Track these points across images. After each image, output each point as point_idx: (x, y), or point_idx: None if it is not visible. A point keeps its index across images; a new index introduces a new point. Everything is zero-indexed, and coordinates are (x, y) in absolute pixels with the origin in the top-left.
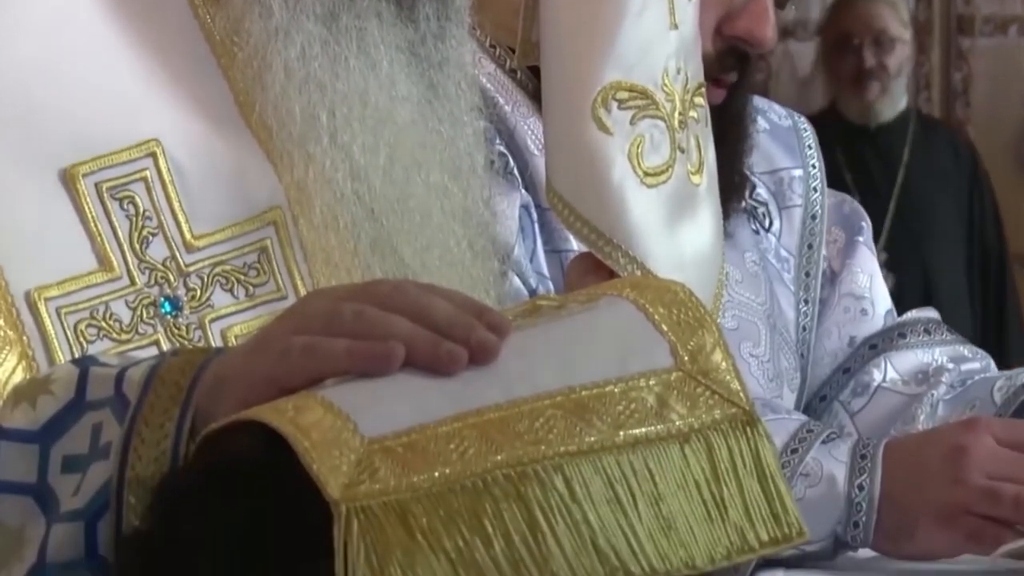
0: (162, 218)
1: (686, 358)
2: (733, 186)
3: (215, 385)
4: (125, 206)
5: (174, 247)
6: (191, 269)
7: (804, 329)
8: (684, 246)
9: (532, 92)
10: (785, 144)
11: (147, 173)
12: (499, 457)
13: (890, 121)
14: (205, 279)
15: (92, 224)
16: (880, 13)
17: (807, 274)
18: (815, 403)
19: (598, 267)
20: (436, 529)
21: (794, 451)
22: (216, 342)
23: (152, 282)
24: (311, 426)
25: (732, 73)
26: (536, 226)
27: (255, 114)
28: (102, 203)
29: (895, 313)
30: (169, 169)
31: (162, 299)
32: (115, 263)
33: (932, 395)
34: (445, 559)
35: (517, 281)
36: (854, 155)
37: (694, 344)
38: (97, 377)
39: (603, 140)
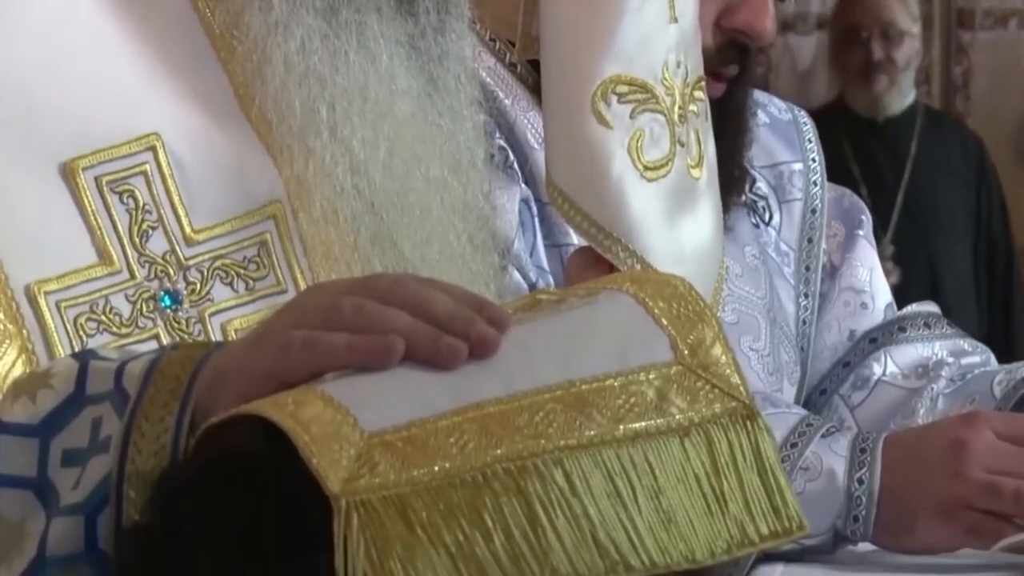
0: (162, 212)
1: (686, 352)
2: (733, 180)
3: (215, 379)
4: (125, 200)
5: (174, 241)
6: (191, 263)
7: (804, 323)
8: (684, 240)
9: (532, 86)
10: (785, 138)
11: (147, 167)
12: (499, 451)
13: (898, 114)
14: (205, 273)
15: (92, 218)
16: (888, 6)
17: (807, 268)
18: (815, 397)
19: (598, 261)
20: (436, 523)
21: (794, 445)
22: (216, 336)
23: (152, 276)
24: (311, 420)
25: (732, 66)
26: (536, 220)
27: (255, 108)
28: (102, 197)
29: (895, 307)
30: (169, 163)
31: (162, 293)
32: (115, 257)
33: (932, 389)
34: (445, 553)
35: (517, 275)
36: (862, 148)
37: (694, 338)
38: (97, 371)
39: (603, 134)
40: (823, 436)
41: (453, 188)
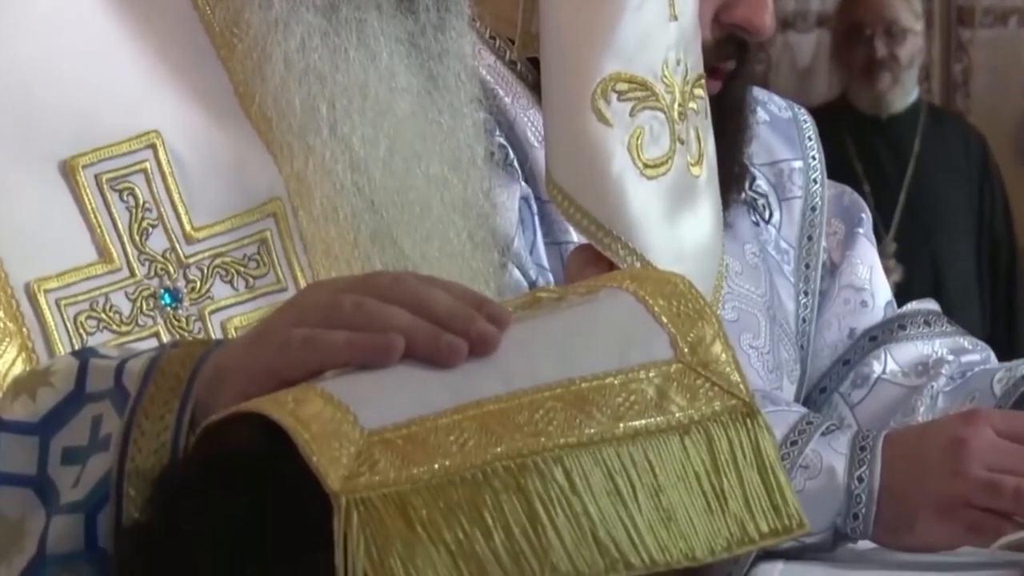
0: (162, 210)
1: (686, 350)
2: (733, 177)
3: (215, 377)
4: (125, 198)
5: (174, 239)
6: (191, 261)
7: (804, 321)
8: (684, 238)
9: (532, 84)
10: (785, 136)
11: (147, 165)
12: (499, 449)
13: (901, 112)
14: (205, 271)
15: (92, 216)
16: (892, 4)
17: (807, 266)
18: (815, 395)
19: (598, 259)
20: (436, 521)
21: (793, 443)
22: (216, 334)
23: (152, 274)
24: (311, 418)
25: (730, 62)
26: (536, 218)
27: (255, 105)
28: (102, 195)
29: (895, 305)
30: (169, 161)
31: (162, 291)
32: (115, 255)
33: (932, 387)
34: (445, 551)
35: (517, 273)
36: (865, 146)
37: (694, 336)
38: (97, 369)
39: (603, 132)
40: (823, 434)
41: (453, 186)
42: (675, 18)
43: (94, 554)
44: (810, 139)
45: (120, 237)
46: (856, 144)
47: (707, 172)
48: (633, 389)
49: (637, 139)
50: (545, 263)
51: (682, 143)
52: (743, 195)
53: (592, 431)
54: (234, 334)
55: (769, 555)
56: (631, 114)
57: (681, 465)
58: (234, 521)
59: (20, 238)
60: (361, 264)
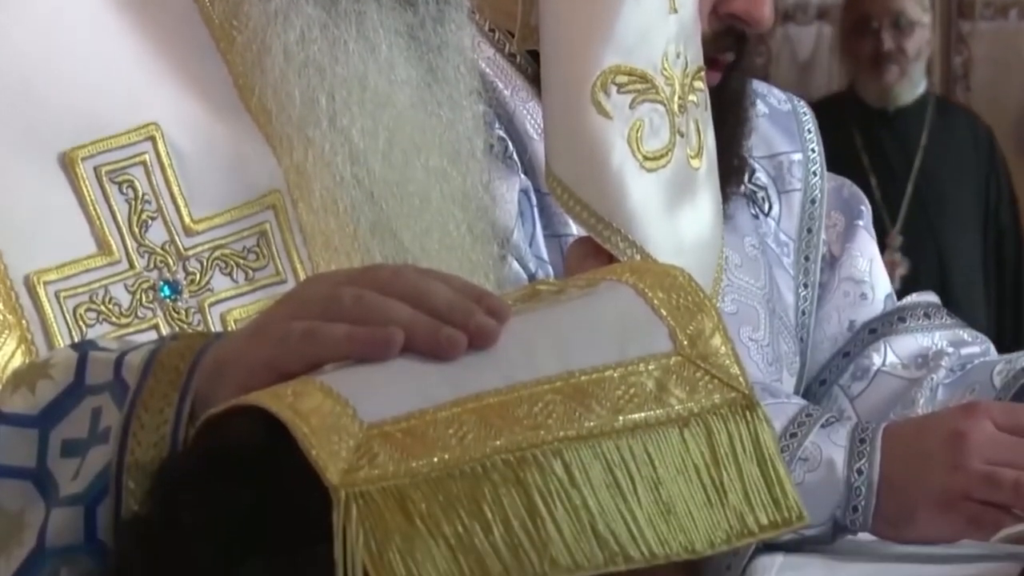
0: (161, 202)
1: (685, 343)
2: (732, 170)
3: (214, 370)
4: (124, 190)
5: (173, 231)
6: (190, 253)
7: (803, 313)
8: (683, 231)
9: (531, 76)
10: (784, 128)
11: (146, 157)
12: (498, 442)
13: (908, 104)
14: (204, 263)
15: (91, 208)
16: None
17: (806, 258)
18: (815, 387)
19: (597, 251)
20: (435, 514)
21: (793, 435)
22: (215, 326)
23: (151, 266)
24: (310, 411)
25: (729, 54)
26: (535, 210)
27: (254, 98)
28: (101, 187)
29: (895, 297)
30: (168, 153)
31: (161, 283)
32: (114, 247)
33: (932, 379)
34: (444, 544)
35: (516, 265)
36: (872, 138)
37: (693, 328)
38: (96, 361)
39: (602, 124)
40: (823, 426)
41: (452, 178)
42: (675, 10)
43: (93, 547)
44: (809, 132)
45: (119, 229)
46: (863, 137)
47: (707, 165)
48: (632, 382)
49: (637, 132)
50: (544, 255)
51: (682, 136)
52: (743, 188)
53: (591, 424)
54: (233, 326)
55: (769, 547)
56: (631, 107)
57: (680, 458)
58: (233, 514)
59: (19, 230)
60: (360, 256)
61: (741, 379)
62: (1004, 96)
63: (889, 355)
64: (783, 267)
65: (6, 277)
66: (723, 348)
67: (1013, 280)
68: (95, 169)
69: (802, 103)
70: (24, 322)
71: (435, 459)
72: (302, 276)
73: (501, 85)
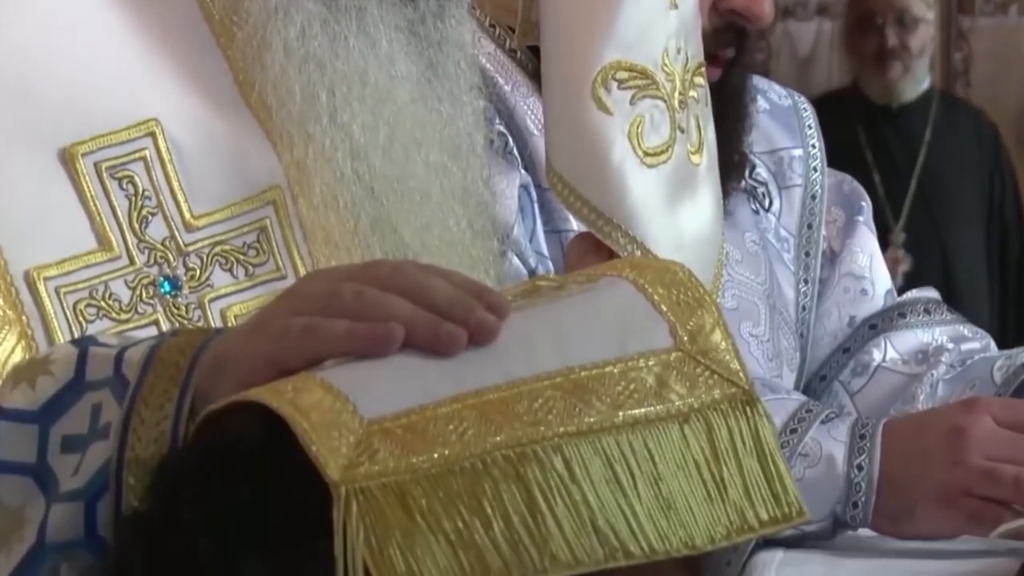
0: (161, 198)
1: (685, 338)
2: (733, 165)
3: (215, 366)
4: (124, 185)
5: (173, 227)
6: (190, 249)
7: (804, 309)
8: (684, 226)
9: (532, 72)
10: (785, 124)
11: (146, 153)
12: (498, 438)
13: (912, 101)
14: (204, 259)
15: (91, 203)
16: None
17: (807, 254)
18: (815, 383)
19: (598, 247)
20: (435, 510)
21: (793, 431)
22: (215, 322)
23: (151, 262)
24: (310, 407)
25: (728, 49)
26: (536, 206)
27: (255, 93)
28: (101, 183)
29: (895, 293)
30: (168, 148)
31: (161, 279)
32: (114, 243)
33: (932, 375)
34: (444, 540)
35: (516, 261)
36: (876, 135)
37: (693, 324)
38: (96, 357)
39: (603, 120)
40: (823, 422)
41: (453, 174)
42: (675, 6)
43: (93, 542)
44: (810, 127)
45: (120, 225)
46: (867, 133)
47: (707, 160)
48: (633, 378)
49: (637, 127)
50: (545, 251)
51: (682, 131)
52: (743, 183)
53: (591, 420)
54: (233, 322)
55: (769, 543)
56: (631, 102)
57: (680, 453)
58: (234, 510)
59: (20, 226)
60: (361, 252)
61: (741, 375)
62: (1004, 92)
63: (889, 351)
64: (783, 263)
65: (6, 273)
66: (723, 344)
67: (1017, 277)
68: (95, 165)
69: (802, 99)
70: (24, 318)
71: (435, 455)
72: (302, 272)
73: (502, 81)
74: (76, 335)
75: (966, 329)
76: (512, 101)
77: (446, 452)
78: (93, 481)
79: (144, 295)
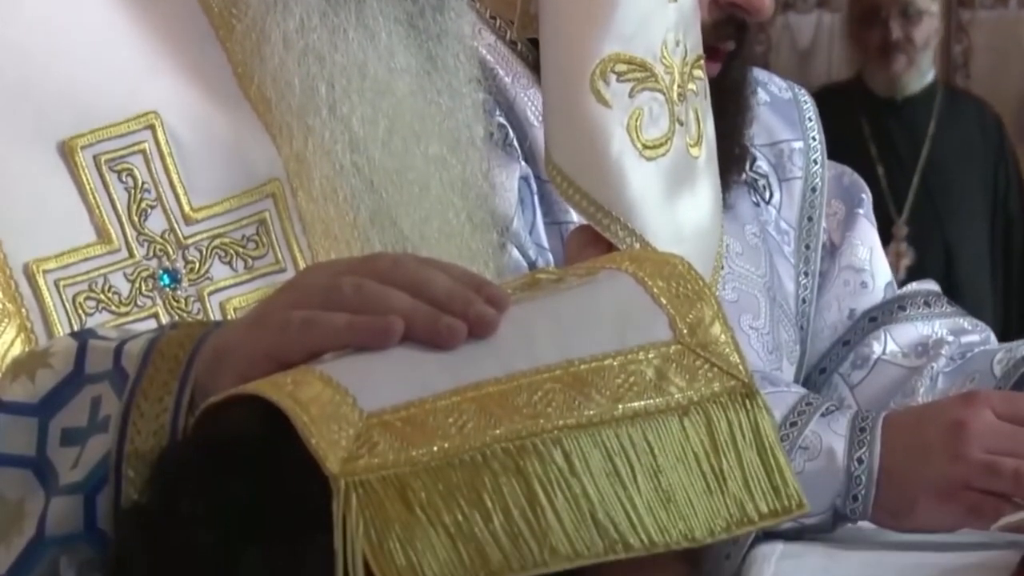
0: (161, 190)
1: (685, 331)
2: (733, 158)
3: (214, 359)
4: (124, 178)
5: (173, 220)
6: (190, 241)
7: (804, 302)
8: (683, 219)
9: (532, 63)
10: (785, 116)
11: (146, 145)
12: (498, 431)
13: (916, 94)
14: (204, 251)
15: (91, 196)
16: None
17: (807, 246)
18: (815, 376)
19: (597, 240)
20: (435, 503)
21: (793, 424)
22: (215, 315)
23: (151, 254)
24: (310, 400)
25: (729, 42)
26: (536, 198)
27: (254, 86)
28: (100, 175)
29: (895, 286)
30: (168, 141)
31: (161, 272)
32: (114, 235)
33: (932, 368)
34: (444, 533)
35: (516, 253)
36: (880, 128)
37: (693, 317)
38: (96, 350)
39: (602, 113)
40: (822, 415)
41: (452, 166)
42: None
43: (93, 535)
44: (810, 120)
45: (119, 218)
46: (871, 126)
47: (706, 153)
48: (632, 371)
49: (636, 120)
50: (545, 243)
51: (681, 124)
52: (744, 176)
53: (591, 413)
54: (233, 315)
55: (768, 536)
56: (630, 95)
57: (680, 446)
58: (233, 503)
59: (19, 219)
60: (360, 245)
61: (741, 367)
62: (1003, 85)
63: (889, 343)
64: (784, 255)
65: (6, 266)
66: (723, 336)
67: (1020, 270)
68: (94, 158)
69: (803, 91)
70: (24, 311)
71: (435, 448)
72: (301, 265)
73: (502, 72)
74: (75, 328)
75: (966, 322)
76: (512, 92)
77: (446, 445)
78: (93, 474)
79: (143, 288)
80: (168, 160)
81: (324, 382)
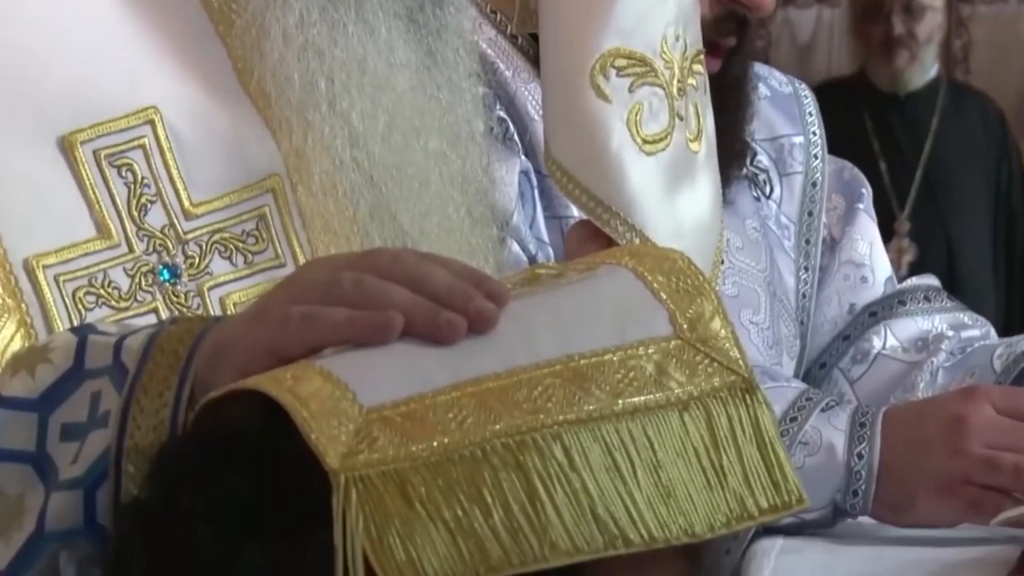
0: (160, 186)
1: (685, 326)
2: (734, 153)
3: (214, 354)
4: (123, 173)
5: (172, 215)
6: (189, 236)
7: (804, 296)
8: (683, 214)
9: (533, 58)
10: (786, 111)
11: (145, 140)
12: (498, 426)
13: (919, 89)
14: (203, 246)
15: (90, 191)
16: None
17: (807, 241)
18: (815, 370)
19: (597, 234)
20: (435, 498)
21: (793, 419)
22: (215, 310)
23: (150, 249)
24: (310, 396)
25: (730, 38)
26: (536, 192)
27: (253, 81)
28: (100, 170)
29: (895, 280)
30: (167, 136)
31: (160, 267)
32: (113, 230)
33: (932, 362)
34: (444, 528)
35: (516, 247)
36: (882, 123)
37: (693, 312)
38: (96, 345)
39: (601, 107)
40: (823, 410)
41: (451, 161)
42: None
43: (93, 530)
44: (811, 114)
45: (119, 213)
46: (874, 121)
47: (706, 148)
48: (632, 366)
49: (636, 115)
50: (545, 237)
51: (681, 119)
52: (744, 170)
53: (591, 408)
54: (233, 310)
55: (769, 531)
56: (630, 90)
57: (680, 441)
58: (233, 498)
59: (19, 214)
60: (360, 240)
61: (741, 362)
62: (1003, 80)
63: (889, 338)
64: (784, 250)
65: (5, 261)
66: (723, 331)
67: (1022, 266)
68: (94, 153)
69: (803, 86)
70: (23, 306)
71: (435, 443)
72: (301, 260)
73: (502, 66)
74: (75, 323)
75: (966, 316)
76: (513, 87)
77: (445, 440)
78: (92, 469)
79: (143, 283)
80: (168, 155)
81: (324, 377)
